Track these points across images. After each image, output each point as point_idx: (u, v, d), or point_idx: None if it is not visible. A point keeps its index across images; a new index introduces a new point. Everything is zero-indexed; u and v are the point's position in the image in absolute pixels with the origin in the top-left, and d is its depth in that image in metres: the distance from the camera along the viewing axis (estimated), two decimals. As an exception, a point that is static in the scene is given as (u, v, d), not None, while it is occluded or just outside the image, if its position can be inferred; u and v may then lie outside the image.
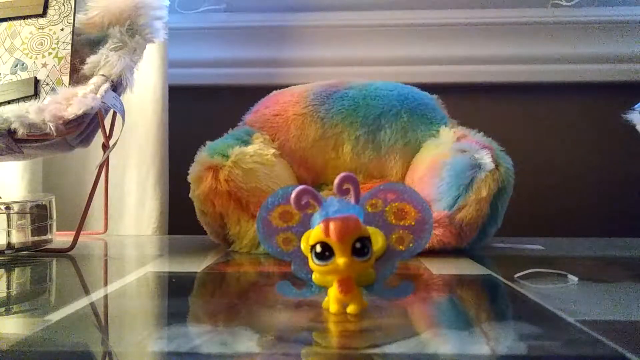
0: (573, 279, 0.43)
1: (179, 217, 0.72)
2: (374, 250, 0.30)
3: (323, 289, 0.31)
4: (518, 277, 0.43)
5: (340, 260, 0.28)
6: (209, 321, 0.33)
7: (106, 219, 0.66)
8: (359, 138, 0.67)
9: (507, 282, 0.42)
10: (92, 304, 0.36)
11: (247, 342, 0.27)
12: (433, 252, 0.54)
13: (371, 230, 0.30)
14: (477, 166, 0.56)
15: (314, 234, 0.29)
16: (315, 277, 0.31)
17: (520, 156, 0.61)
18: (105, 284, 0.45)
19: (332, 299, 0.30)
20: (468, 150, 0.58)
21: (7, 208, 0.51)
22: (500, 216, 0.58)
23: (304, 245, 0.30)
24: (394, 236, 0.31)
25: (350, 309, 0.30)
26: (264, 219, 0.32)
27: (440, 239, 0.55)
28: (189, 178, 0.58)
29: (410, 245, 0.31)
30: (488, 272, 0.47)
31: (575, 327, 0.29)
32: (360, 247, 0.28)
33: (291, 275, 0.32)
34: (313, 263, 0.29)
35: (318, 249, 0.29)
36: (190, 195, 0.58)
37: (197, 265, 0.50)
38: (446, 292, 0.42)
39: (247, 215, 0.57)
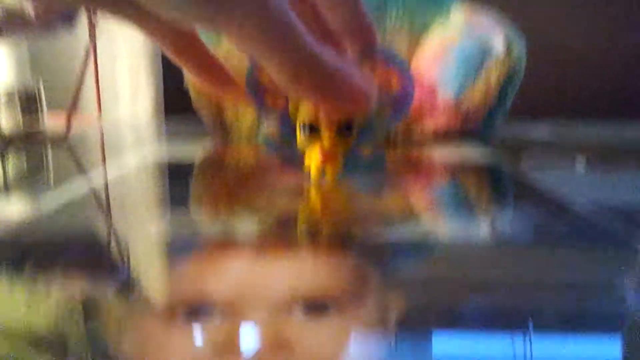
0: (581, 165, 0.42)
1: (176, 100, 0.70)
2: (357, 124, 0.31)
3: (304, 150, 0.32)
4: (524, 163, 0.42)
5: (325, 141, 0.30)
6: (208, 205, 0.32)
7: (99, 101, 0.64)
8: (363, 19, 0.62)
9: (513, 169, 0.41)
10: (92, 190, 0.36)
11: (246, 224, 0.27)
12: (437, 139, 0.53)
13: None
14: (487, 51, 0.53)
15: (302, 110, 0.30)
16: (299, 143, 0.32)
17: (533, 34, 0.57)
18: (104, 170, 0.44)
19: (313, 165, 0.32)
20: (478, 34, 0.54)
21: (-7, 93, 0.49)
22: (508, 102, 0.56)
23: (292, 109, 0.31)
24: (374, 109, 0.31)
25: (329, 174, 0.32)
26: (253, 76, 0.32)
27: (446, 126, 0.53)
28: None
29: (390, 114, 0.32)
30: (494, 159, 0.46)
31: (582, 213, 0.29)
32: (345, 125, 0.30)
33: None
34: (300, 135, 0.31)
35: (306, 129, 0.30)
36: (185, 84, 0.55)
37: (195, 152, 0.49)
38: (449, 179, 0.41)
39: (244, 102, 0.54)
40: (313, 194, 0.34)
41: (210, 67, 0.25)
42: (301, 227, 0.28)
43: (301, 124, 0.30)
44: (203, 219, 0.29)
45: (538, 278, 0.21)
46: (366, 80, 0.21)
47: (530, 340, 0.16)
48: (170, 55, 0.24)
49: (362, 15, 0.23)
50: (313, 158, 0.32)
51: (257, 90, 0.33)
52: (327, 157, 0.32)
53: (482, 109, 0.53)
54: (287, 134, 0.34)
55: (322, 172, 0.33)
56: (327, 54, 0.19)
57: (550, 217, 0.29)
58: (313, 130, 0.30)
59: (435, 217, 0.31)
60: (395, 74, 0.31)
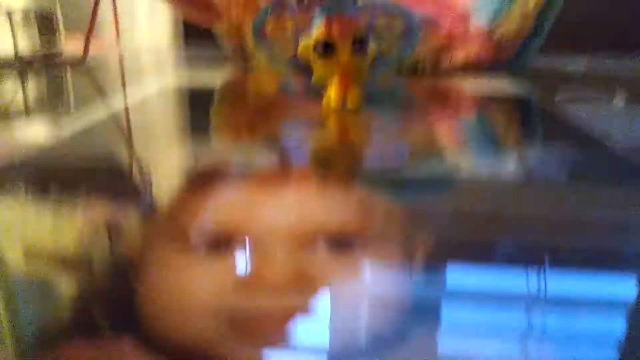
0: (619, 101, 0.39)
1: (195, 27, 0.67)
2: (371, 51, 0.32)
3: (322, 86, 0.33)
4: (560, 98, 0.40)
5: (342, 56, 0.30)
6: (229, 133, 0.31)
7: (117, 27, 0.62)
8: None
9: (547, 104, 0.39)
10: (112, 114, 0.35)
11: (268, 155, 0.26)
12: (467, 69, 0.51)
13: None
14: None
15: (316, 32, 0.31)
16: (315, 77, 0.33)
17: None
18: (124, 94, 0.43)
19: (332, 96, 0.32)
20: (518, -47, 0.50)
21: (9, 14, 0.47)
22: (545, 30, 0.52)
23: (303, 47, 0.32)
24: (384, 43, 0.34)
25: (351, 103, 0.32)
26: (258, 30, 0.35)
27: (478, 55, 0.50)
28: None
29: (399, 49, 0.34)
30: (527, 92, 0.44)
31: (619, 153, 0.27)
32: (359, 46, 0.31)
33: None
34: (315, 60, 0.31)
35: (320, 45, 0.31)
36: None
37: (215, 78, 0.48)
38: (480, 113, 0.39)
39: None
40: (335, 123, 0.32)
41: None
42: (323, 159, 0.27)
43: (315, 44, 0.31)
44: (224, 148, 0.29)
45: (568, 215, 0.20)
46: None
47: (551, 276, 0.15)
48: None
49: None
50: (333, 87, 0.32)
51: (263, 39, 0.35)
52: (346, 78, 0.32)
53: (517, 37, 0.50)
54: (302, 74, 0.34)
55: (343, 100, 0.33)
56: None
57: (585, 153, 0.28)
58: (327, 51, 0.31)
59: (461, 152, 0.30)
60: (399, 18, 0.33)
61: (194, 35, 0.73)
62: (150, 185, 0.23)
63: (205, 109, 0.40)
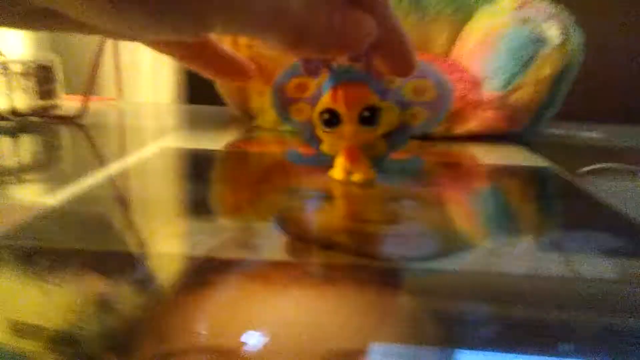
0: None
1: (200, 85, 0.66)
2: (386, 123, 0.29)
3: (330, 157, 0.31)
4: (582, 171, 0.37)
5: (346, 127, 0.28)
6: (229, 213, 0.29)
7: (118, 83, 0.61)
8: (401, 0, 0.57)
9: (569, 176, 0.37)
10: (110, 177, 0.33)
11: (271, 246, 0.23)
12: (481, 137, 0.49)
13: (385, 104, 0.29)
14: (541, 39, 0.48)
15: (323, 100, 0.28)
16: (324, 146, 0.31)
17: (588, 29, 0.52)
18: (122, 156, 0.41)
19: (338, 167, 0.30)
20: (531, 20, 0.49)
21: (5, 68, 0.46)
22: (560, 99, 0.51)
23: (315, 114, 0.30)
24: (409, 112, 0.31)
25: (355, 177, 0.30)
26: (279, 88, 0.32)
27: (490, 123, 0.48)
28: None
29: (425, 120, 0.31)
30: (545, 163, 0.42)
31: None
32: (368, 116, 0.28)
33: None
34: (321, 130, 0.29)
35: (325, 115, 0.28)
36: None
37: (218, 141, 0.46)
38: (498, 187, 0.37)
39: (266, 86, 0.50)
40: (341, 198, 0.30)
41: (225, 64, 0.24)
42: (326, 243, 0.24)
43: (320, 113, 0.28)
44: (222, 224, 0.26)
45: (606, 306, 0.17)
46: (356, 22, 0.21)
47: None
48: (182, 63, 0.23)
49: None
50: (339, 158, 0.30)
51: (282, 102, 0.32)
52: (351, 150, 0.29)
53: (532, 105, 0.48)
54: (312, 142, 0.32)
55: (348, 172, 0.30)
56: (320, 13, 0.19)
57: (613, 233, 0.25)
58: (333, 121, 0.28)
59: (477, 231, 0.27)
60: (431, 84, 0.30)
61: (198, 92, 0.72)
62: (145, 254, 0.21)
63: (206, 172, 0.37)
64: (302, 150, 0.33)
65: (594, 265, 0.22)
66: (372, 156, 0.30)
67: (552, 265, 0.22)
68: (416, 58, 0.23)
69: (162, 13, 0.15)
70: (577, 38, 0.49)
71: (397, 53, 0.22)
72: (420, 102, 0.30)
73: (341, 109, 0.28)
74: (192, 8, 0.15)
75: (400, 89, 0.30)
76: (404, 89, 0.30)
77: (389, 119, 0.30)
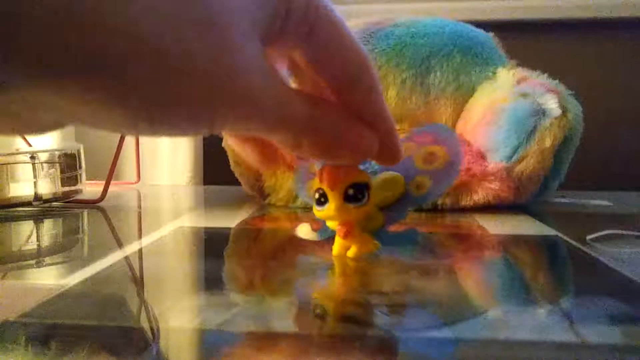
0: (655, 242, 0.37)
1: (215, 166, 0.69)
2: (390, 194, 0.30)
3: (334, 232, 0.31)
4: (590, 239, 0.38)
5: (331, 205, 0.28)
6: (242, 289, 0.29)
7: (138, 167, 0.64)
8: (405, 81, 0.61)
9: (577, 244, 0.37)
10: (126, 259, 0.34)
11: (283, 319, 0.24)
12: (488, 208, 0.49)
13: (391, 175, 0.30)
14: (541, 112, 0.50)
15: (315, 180, 0.29)
16: (328, 223, 0.31)
17: (587, 101, 0.54)
18: (139, 237, 0.42)
19: (336, 243, 0.31)
20: (530, 94, 0.51)
21: (33, 157, 0.49)
22: (564, 169, 0.52)
23: (311, 194, 0.31)
24: (414, 181, 0.31)
25: (350, 252, 0.31)
26: (304, 166, 0.34)
27: (497, 194, 0.49)
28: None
29: (428, 190, 0.31)
30: (553, 232, 0.42)
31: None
32: (353, 194, 0.28)
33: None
34: (315, 209, 0.30)
35: (316, 195, 0.29)
36: (223, 144, 0.54)
37: (232, 219, 0.47)
38: (507, 256, 0.37)
39: (283, 166, 0.52)
40: (341, 274, 0.31)
41: (268, 149, 0.25)
42: (336, 314, 0.24)
43: (313, 195, 0.29)
44: (237, 298, 0.27)
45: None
46: (362, 129, 0.22)
47: None
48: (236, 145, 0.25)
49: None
50: (336, 239, 0.31)
51: (304, 178, 0.34)
52: (343, 229, 0.30)
53: (537, 175, 0.50)
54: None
55: (345, 248, 0.31)
56: (324, 114, 0.21)
57: (622, 299, 0.25)
58: (321, 200, 0.29)
59: (485, 300, 0.27)
60: (444, 150, 0.30)
61: (213, 173, 0.75)
62: (159, 338, 0.21)
63: (219, 250, 0.38)
64: (314, 225, 0.33)
65: (602, 332, 0.22)
66: (369, 229, 0.31)
67: (560, 332, 0.22)
68: (400, 149, 0.24)
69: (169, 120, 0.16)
70: (575, 109, 0.51)
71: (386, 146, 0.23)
72: (428, 170, 0.31)
73: (325, 188, 0.28)
74: (196, 110, 0.16)
75: (412, 158, 0.31)
76: (415, 157, 0.31)
77: (389, 191, 0.30)
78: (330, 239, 0.32)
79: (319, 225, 0.32)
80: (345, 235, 0.30)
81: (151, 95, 0.15)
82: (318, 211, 0.29)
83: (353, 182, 0.28)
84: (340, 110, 0.21)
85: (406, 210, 0.31)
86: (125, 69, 0.14)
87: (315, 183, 0.29)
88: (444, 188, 0.31)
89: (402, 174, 0.31)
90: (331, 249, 0.32)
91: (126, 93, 0.14)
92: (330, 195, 0.28)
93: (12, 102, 0.15)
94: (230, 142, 0.25)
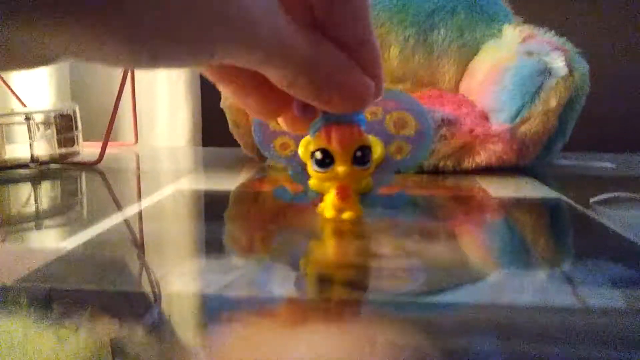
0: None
1: (213, 127, 0.68)
2: (374, 159, 0.29)
3: (319, 194, 0.31)
4: (594, 201, 0.37)
5: (340, 168, 0.28)
6: (242, 252, 0.29)
7: (135, 128, 0.63)
8: (407, 39, 0.59)
9: (581, 207, 0.36)
10: (125, 221, 0.33)
11: (283, 283, 0.23)
12: (490, 170, 0.49)
13: (370, 139, 0.29)
14: (546, 71, 0.48)
15: (315, 140, 0.27)
16: (312, 182, 0.30)
17: (594, 61, 0.53)
18: (138, 199, 0.42)
19: (328, 205, 0.30)
20: (536, 53, 0.50)
21: (27, 118, 0.48)
22: (569, 130, 0.51)
23: (302, 151, 0.30)
24: (392, 146, 0.31)
25: (347, 215, 0.30)
26: (261, 122, 0.32)
27: (500, 156, 0.49)
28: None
29: (408, 155, 0.31)
30: (556, 194, 0.42)
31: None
32: (360, 156, 0.27)
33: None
34: (312, 170, 0.29)
35: (318, 155, 0.28)
36: (221, 104, 0.53)
37: (231, 182, 0.47)
38: (509, 219, 0.37)
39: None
40: (332, 236, 0.30)
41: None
42: (335, 278, 0.24)
43: (313, 154, 0.28)
44: (237, 261, 0.27)
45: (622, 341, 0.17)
46: (361, 75, 0.21)
47: None
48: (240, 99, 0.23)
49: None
50: (328, 196, 0.30)
51: (265, 136, 0.32)
52: (344, 189, 0.29)
53: (541, 136, 0.49)
54: (300, 179, 0.32)
55: (339, 210, 0.30)
56: (325, 53, 0.20)
57: (624, 263, 0.25)
58: (326, 161, 0.28)
59: (487, 264, 0.27)
60: (411, 116, 0.31)
61: (212, 135, 0.74)
62: (160, 298, 0.22)
63: (219, 212, 0.38)
64: (290, 187, 0.32)
65: (605, 296, 0.22)
66: (359, 193, 0.30)
67: (562, 296, 0.22)
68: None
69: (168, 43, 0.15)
70: (582, 69, 0.49)
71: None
72: (401, 136, 0.31)
73: (335, 149, 0.27)
74: (193, 36, 0.15)
75: (382, 122, 0.31)
76: (386, 122, 0.31)
77: (376, 153, 0.30)
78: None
79: (296, 187, 0.32)
80: (345, 199, 0.29)
81: (156, 30, 0.15)
82: (319, 172, 0.28)
83: (361, 144, 0.27)
84: (340, 53, 0.20)
85: (391, 175, 0.31)
86: (125, 4, 0.14)
87: (315, 142, 0.28)
88: (423, 154, 0.31)
89: (379, 138, 0.31)
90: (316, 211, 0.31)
91: (131, 30, 0.14)
92: (339, 156, 0.27)
93: (10, 39, 0.14)
94: (230, 93, 0.22)
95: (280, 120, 0.25)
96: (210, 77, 0.21)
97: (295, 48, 0.18)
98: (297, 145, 0.30)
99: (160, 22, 0.15)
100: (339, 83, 0.20)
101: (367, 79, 0.21)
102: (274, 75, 0.19)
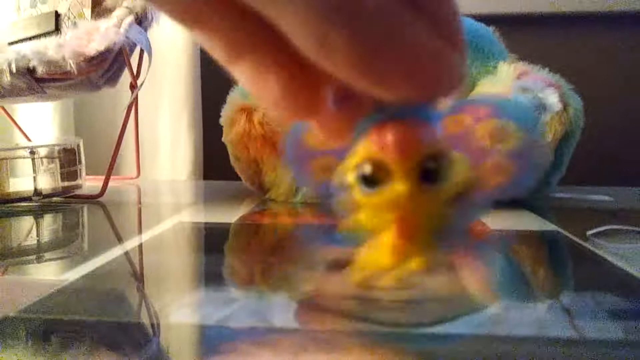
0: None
1: (214, 161, 0.69)
2: (455, 180, 0.18)
3: (366, 233, 0.19)
4: (591, 234, 0.38)
5: (399, 186, 0.17)
6: (242, 284, 0.29)
7: (138, 162, 0.64)
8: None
9: (578, 240, 0.37)
10: (126, 254, 0.34)
11: (283, 314, 0.24)
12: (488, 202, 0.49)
13: (456, 153, 0.19)
14: (541, 107, 0.49)
15: (362, 147, 0.17)
16: (362, 215, 0.19)
17: (588, 96, 0.54)
18: (139, 232, 0.42)
19: (384, 249, 0.18)
20: (531, 89, 0.51)
21: (32, 152, 0.49)
22: (565, 163, 0.52)
23: (346, 169, 0.18)
24: (486, 165, 0.20)
25: (415, 263, 0.18)
26: (295, 142, 0.22)
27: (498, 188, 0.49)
28: (221, 121, 0.54)
29: (513, 177, 0.20)
30: (554, 227, 0.42)
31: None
32: (432, 169, 0.17)
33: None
34: (358, 192, 0.18)
35: (367, 169, 0.17)
36: (223, 139, 0.54)
37: (231, 215, 0.47)
38: (507, 251, 0.37)
39: (283, 161, 0.52)
40: (347, 264, 0.29)
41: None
42: (334, 309, 0.24)
43: (356, 167, 0.17)
44: (237, 293, 0.27)
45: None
46: (438, 42, 0.13)
47: None
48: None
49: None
50: (386, 235, 0.18)
51: (300, 159, 0.23)
52: (408, 226, 0.17)
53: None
54: (338, 211, 0.19)
55: (402, 255, 0.18)
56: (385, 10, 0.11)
57: (622, 295, 0.25)
58: (378, 178, 0.17)
59: (485, 296, 0.27)
60: (513, 123, 0.18)
61: (213, 168, 0.75)
62: (159, 333, 0.22)
63: (219, 245, 0.38)
64: (318, 221, 0.28)
65: (603, 328, 0.22)
66: (431, 230, 0.19)
67: (560, 328, 0.22)
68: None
69: None
70: (576, 104, 0.50)
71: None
72: (500, 151, 0.20)
73: (392, 158, 0.17)
74: None
75: (471, 134, 0.20)
76: (478, 133, 0.20)
77: (459, 174, 0.18)
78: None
79: (334, 222, 0.20)
80: (409, 236, 0.18)
81: None
82: (368, 195, 0.17)
83: (433, 152, 0.17)
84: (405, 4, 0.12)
85: (483, 205, 0.20)
86: None
87: (362, 152, 0.17)
88: (532, 174, 0.20)
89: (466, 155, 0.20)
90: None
91: None
92: (399, 169, 0.17)
93: None
94: (246, 82, 0.14)
95: (315, 123, 0.16)
96: (223, 48, 0.14)
97: None
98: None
99: None
100: (402, 50, 0.12)
101: (448, 49, 0.13)
102: (293, 26, 0.11)
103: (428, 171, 0.17)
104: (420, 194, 0.17)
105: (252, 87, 0.14)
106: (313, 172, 0.22)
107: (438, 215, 0.18)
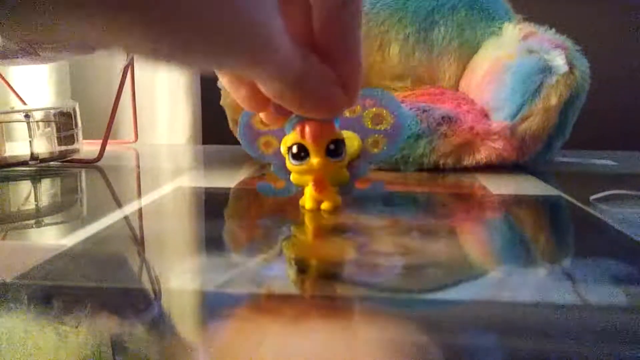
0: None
1: (213, 125, 0.68)
2: (348, 152, 0.31)
3: (300, 188, 0.33)
4: (594, 199, 0.37)
5: (314, 160, 0.29)
6: (242, 248, 0.29)
7: (135, 126, 0.63)
8: (408, 37, 0.59)
9: (581, 205, 0.36)
10: (125, 218, 0.33)
11: (283, 280, 0.23)
12: (490, 168, 0.49)
13: (348, 134, 0.32)
14: (547, 69, 0.48)
15: (291, 135, 0.29)
16: (293, 177, 0.32)
17: (594, 58, 0.52)
18: (138, 197, 0.42)
19: (307, 197, 0.32)
20: (537, 50, 0.50)
21: (27, 116, 0.48)
22: (569, 127, 0.51)
23: (283, 148, 0.31)
24: (369, 140, 0.33)
25: (324, 205, 0.32)
26: (246, 123, 0.33)
27: (500, 153, 0.49)
28: (219, 84, 0.53)
29: (384, 148, 0.33)
30: (556, 192, 0.42)
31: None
32: (334, 149, 0.29)
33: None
34: (290, 164, 0.30)
35: (294, 149, 0.30)
36: (221, 102, 0.53)
37: (231, 179, 0.47)
38: (509, 216, 0.37)
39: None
40: (312, 228, 0.31)
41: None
42: (335, 275, 0.24)
43: (289, 148, 0.30)
44: (237, 258, 0.27)
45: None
46: (338, 90, 0.23)
47: None
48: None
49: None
50: (307, 189, 0.32)
51: (250, 136, 0.34)
52: (319, 182, 0.31)
53: (541, 134, 0.49)
54: (282, 174, 0.33)
55: (317, 201, 0.32)
56: (312, 68, 0.21)
57: (625, 260, 0.25)
58: (301, 154, 0.30)
59: (487, 261, 0.27)
60: (388, 112, 0.32)
61: (211, 132, 0.74)
62: (160, 295, 0.22)
63: (218, 210, 0.38)
64: (273, 182, 0.34)
65: (605, 293, 0.22)
66: (336, 184, 0.32)
67: (562, 293, 0.22)
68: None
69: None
70: (582, 66, 0.49)
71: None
72: (378, 130, 0.33)
73: (309, 143, 0.29)
74: (214, 57, 0.17)
75: (361, 118, 0.33)
76: (363, 118, 0.33)
77: (352, 147, 0.32)
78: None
79: (279, 183, 0.34)
80: (321, 190, 0.31)
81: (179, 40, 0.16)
82: (296, 165, 0.30)
83: (334, 138, 0.29)
84: (324, 67, 0.22)
85: (367, 167, 0.33)
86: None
87: (291, 138, 0.30)
88: (397, 147, 0.33)
89: (357, 133, 0.33)
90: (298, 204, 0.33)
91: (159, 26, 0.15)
92: (313, 149, 0.29)
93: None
94: (225, 83, 0.25)
95: (263, 115, 0.27)
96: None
97: (290, 63, 0.20)
98: (279, 143, 0.32)
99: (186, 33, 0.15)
100: (318, 98, 0.22)
101: (343, 94, 0.23)
102: (266, 87, 0.21)
103: (331, 150, 0.29)
104: (327, 164, 0.29)
105: (230, 88, 0.25)
106: (258, 145, 0.34)
107: (339, 177, 0.32)
